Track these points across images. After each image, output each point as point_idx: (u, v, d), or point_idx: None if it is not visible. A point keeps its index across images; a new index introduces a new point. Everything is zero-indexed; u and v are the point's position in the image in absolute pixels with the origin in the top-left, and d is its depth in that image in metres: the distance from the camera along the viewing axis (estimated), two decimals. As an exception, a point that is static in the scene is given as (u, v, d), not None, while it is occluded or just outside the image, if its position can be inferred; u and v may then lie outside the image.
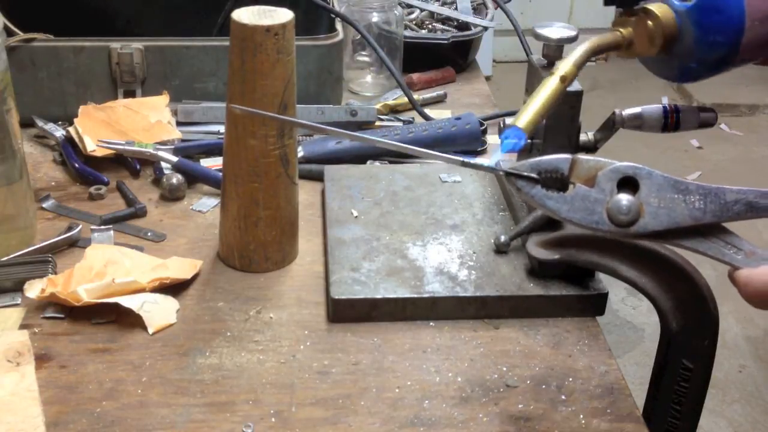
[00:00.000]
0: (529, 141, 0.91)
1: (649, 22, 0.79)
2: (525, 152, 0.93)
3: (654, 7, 0.79)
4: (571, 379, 0.78)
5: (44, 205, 1.01)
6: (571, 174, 0.66)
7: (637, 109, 0.86)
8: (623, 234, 0.64)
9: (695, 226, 0.64)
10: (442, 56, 1.42)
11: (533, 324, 0.84)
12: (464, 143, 1.15)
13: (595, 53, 0.80)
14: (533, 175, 0.65)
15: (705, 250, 0.65)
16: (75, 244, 0.94)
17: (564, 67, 0.77)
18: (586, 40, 0.80)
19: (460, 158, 0.67)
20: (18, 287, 0.84)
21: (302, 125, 0.73)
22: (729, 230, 0.65)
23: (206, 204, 1.03)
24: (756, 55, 0.79)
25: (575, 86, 0.85)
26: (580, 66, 0.78)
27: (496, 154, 0.73)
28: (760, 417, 2.09)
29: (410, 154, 0.69)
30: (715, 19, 0.76)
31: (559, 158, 0.66)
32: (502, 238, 0.90)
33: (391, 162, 1.12)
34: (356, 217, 0.96)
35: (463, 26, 1.46)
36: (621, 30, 0.81)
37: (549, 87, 0.76)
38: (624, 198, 0.64)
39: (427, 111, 1.27)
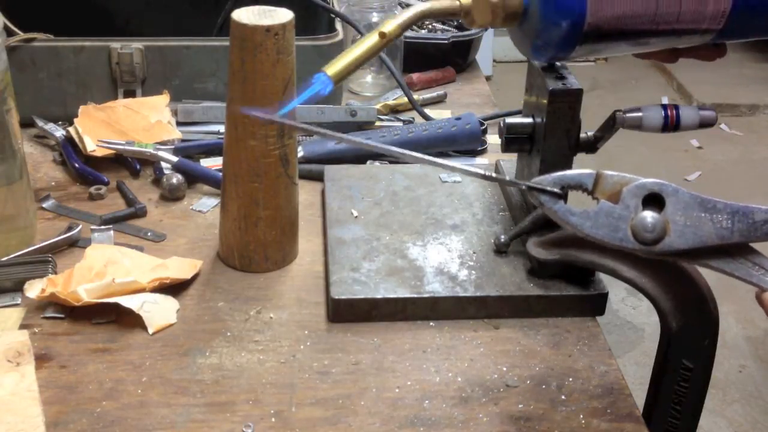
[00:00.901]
0: (529, 142, 0.91)
1: None
2: (525, 153, 0.93)
3: None
4: (571, 379, 0.78)
5: (44, 205, 1.01)
6: (595, 189, 0.65)
7: (637, 109, 0.86)
8: (648, 252, 0.64)
9: (722, 245, 0.63)
10: (442, 56, 1.42)
11: (533, 324, 0.84)
12: (464, 143, 1.15)
13: (426, 17, 0.78)
14: (556, 190, 0.65)
15: (732, 271, 0.64)
16: (75, 244, 0.94)
17: (388, 25, 0.75)
18: (421, 4, 0.78)
19: (481, 171, 0.67)
20: (18, 287, 0.84)
21: (317, 133, 0.73)
22: (757, 251, 0.64)
23: (206, 204, 1.03)
24: (605, 40, 0.76)
25: (575, 85, 0.85)
26: (405, 28, 0.76)
27: (299, 98, 0.73)
28: (760, 417, 2.09)
29: (430, 165, 0.69)
30: None
31: (583, 173, 0.65)
32: (502, 238, 0.90)
33: (391, 162, 1.12)
34: (356, 217, 0.96)
35: (463, 26, 1.46)
36: None
37: (368, 42, 0.75)
38: (649, 215, 0.63)
39: (427, 111, 1.27)
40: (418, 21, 0.78)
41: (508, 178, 0.68)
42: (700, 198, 0.63)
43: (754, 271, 0.63)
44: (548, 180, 0.65)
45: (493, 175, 0.68)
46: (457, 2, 0.79)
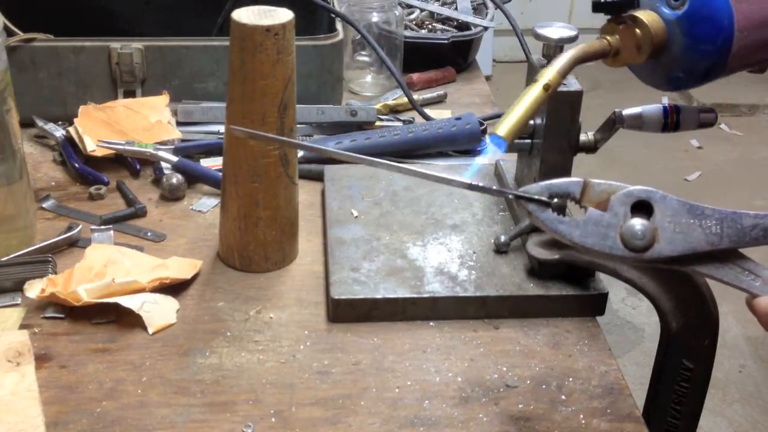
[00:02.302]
0: (529, 141, 0.91)
1: (638, 31, 0.78)
2: (525, 153, 0.93)
3: (643, 15, 0.78)
4: (571, 379, 0.78)
5: (44, 205, 1.01)
6: (583, 197, 0.65)
7: (637, 109, 0.86)
8: (638, 259, 0.64)
9: (712, 251, 0.63)
10: (442, 56, 1.41)
11: (533, 324, 0.84)
12: (464, 143, 1.15)
13: (580, 61, 0.78)
14: (544, 198, 0.65)
15: (721, 277, 0.64)
16: (75, 244, 0.94)
17: (548, 74, 0.76)
18: (573, 48, 0.79)
19: (467, 181, 0.67)
20: (18, 287, 0.84)
21: (308, 148, 0.73)
22: (746, 256, 0.64)
23: (206, 204, 1.03)
24: (743, 64, 0.78)
25: (575, 86, 0.85)
26: (564, 74, 0.76)
27: (475, 166, 0.73)
28: (760, 417, 2.09)
29: (419, 172, 0.69)
30: (705, 28, 0.75)
31: (570, 182, 0.65)
32: (502, 238, 0.90)
33: (391, 162, 1.12)
34: (356, 217, 0.96)
35: (463, 26, 1.46)
36: (608, 38, 0.80)
37: (531, 95, 0.75)
38: (638, 223, 0.63)
39: (427, 111, 1.26)
40: (574, 66, 0.78)
41: (494, 187, 0.68)
42: (688, 204, 0.63)
43: (744, 276, 0.63)
44: (535, 189, 0.65)
45: (480, 185, 0.68)
46: (607, 43, 0.79)
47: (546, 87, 0.75)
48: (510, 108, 0.75)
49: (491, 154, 0.75)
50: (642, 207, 0.64)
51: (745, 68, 0.81)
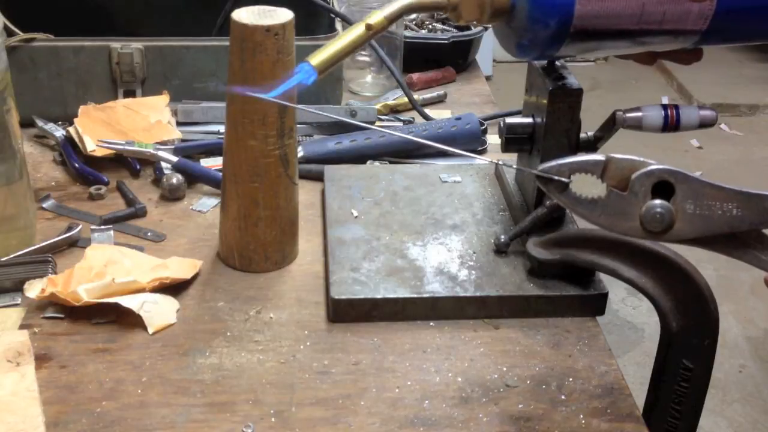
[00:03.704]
0: (529, 142, 0.91)
1: None
2: (525, 153, 0.93)
3: None
4: (571, 379, 0.78)
5: (44, 205, 1.01)
6: (605, 175, 0.64)
7: (637, 109, 0.86)
8: (657, 240, 0.63)
9: (732, 232, 0.63)
10: (442, 56, 1.42)
11: (533, 324, 0.84)
12: (464, 143, 1.15)
13: (413, 10, 0.77)
14: (564, 179, 0.64)
15: (740, 256, 0.63)
16: (75, 244, 0.94)
17: (375, 16, 0.75)
18: None
19: (492, 161, 0.66)
20: (18, 287, 0.84)
21: (320, 116, 0.73)
22: (766, 235, 0.64)
23: (206, 204, 1.03)
24: (589, 41, 0.76)
25: (575, 85, 0.85)
26: (392, 20, 0.75)
27: (282, 87, 0.72)
28: (760, 417, 2.09)
29: (430, 150, 0.69)
30: None
31: (592, 159, 0.64)
32: (502, 238, 0.90)
33: (391, 162, 1.12)
34: (356, 217, 0.96)
35: (463, 26, 1.46)
36: None
37: (353, 33, 0.74)
38: (658, 204, 0.62)
39: (427, 111, 1.27)
40: (404, 14, 0.77)
41: (514, 166, 0.67)
42: (710, 185, 0.63)
43: (763, 256, 0.63)
44: (557, 166, 0.65)
45: (500, 162, 0.67)
46: None
47: (368, 27, 0.74)
48: (329, 42, 0.74)
49: (299, 83, 0.74)
50: (663, 187, 0.63)
51: (595, 49, 0.79)
